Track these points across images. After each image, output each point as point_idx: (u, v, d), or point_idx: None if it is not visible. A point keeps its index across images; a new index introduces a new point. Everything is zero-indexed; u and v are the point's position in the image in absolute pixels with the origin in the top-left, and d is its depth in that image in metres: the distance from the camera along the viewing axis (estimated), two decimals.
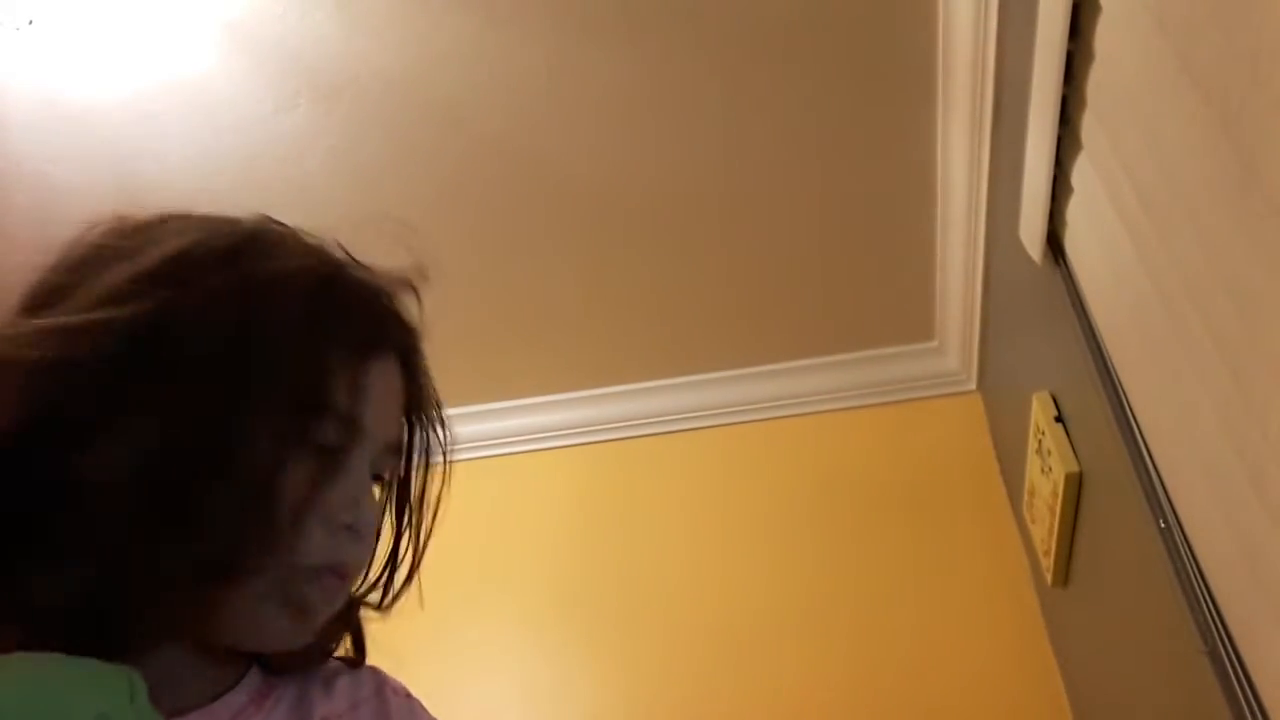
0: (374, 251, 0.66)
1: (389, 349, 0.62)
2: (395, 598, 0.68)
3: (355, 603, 0.66)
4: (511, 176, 1.77)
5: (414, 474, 0.66)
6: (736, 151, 1.73)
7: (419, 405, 0.66)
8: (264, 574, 0.54)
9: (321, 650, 0.66)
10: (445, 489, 0.69)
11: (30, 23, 1.53)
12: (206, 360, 0.53)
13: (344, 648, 0.68)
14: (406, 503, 0.66)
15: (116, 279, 0.57)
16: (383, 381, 0.61)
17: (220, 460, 0.51)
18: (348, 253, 0.65)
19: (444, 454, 0.69)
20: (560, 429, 2.22)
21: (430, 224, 1.84)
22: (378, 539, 0.62)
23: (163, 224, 0.63)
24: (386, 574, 0.67)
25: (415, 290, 0.66)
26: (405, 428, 0.65)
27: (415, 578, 0.69)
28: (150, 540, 0.50)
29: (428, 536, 0.69)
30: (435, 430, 0.68)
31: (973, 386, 2.07)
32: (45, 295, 0.60)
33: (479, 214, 1.83)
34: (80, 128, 1.68)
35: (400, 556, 0.67)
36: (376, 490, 0.64)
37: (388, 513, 0.66)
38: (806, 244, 1.90)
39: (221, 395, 0.52)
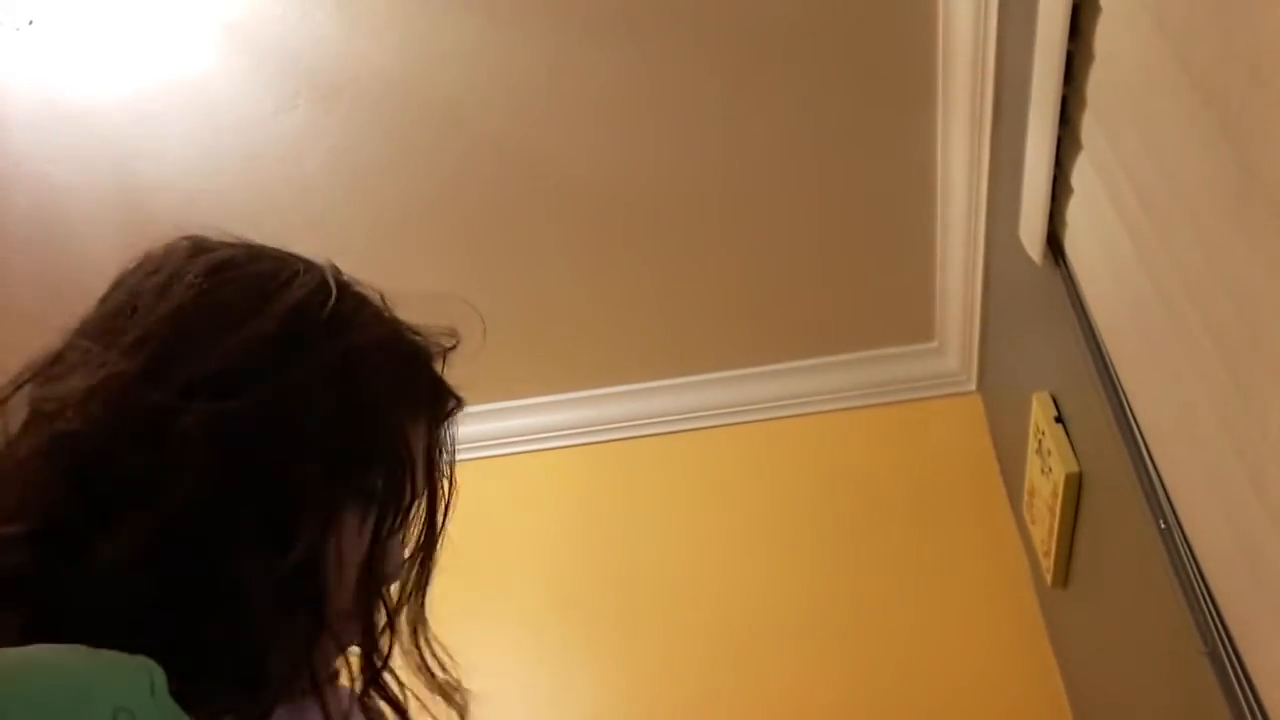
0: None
1: (438, 419, 0.66)
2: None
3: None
4: (512, 177, 1.77)
5: (439, 524, 0.66)
6: (736, 151, 1.73)
7: (443, 457, 0.68)
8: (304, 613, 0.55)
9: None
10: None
11: (30, 23, 1.53)
12: (317, 438, 0.55)
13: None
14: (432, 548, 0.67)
15: (230, 353, 0.55)
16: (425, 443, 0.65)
17: (281, 507, 0.53)
18: (416, 329, 0.68)
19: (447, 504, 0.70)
20: (561, 429, 2.22)
21: (430, 224, 1.84)
22: None
23: (247, 269, 0.60)
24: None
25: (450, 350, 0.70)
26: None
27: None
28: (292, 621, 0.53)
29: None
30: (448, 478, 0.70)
31: (973, 387, 2.07)
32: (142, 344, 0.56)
33: (479, 214, 1.83)
34: (80, 128, 1.68)
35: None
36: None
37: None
38: (806, 244, 1.90)
39: (331, 474, 0.55)
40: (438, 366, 0.68)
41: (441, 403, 0.66)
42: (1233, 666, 0.90)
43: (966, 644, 1.81)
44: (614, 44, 1.59)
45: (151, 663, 0.46)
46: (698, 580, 2.01)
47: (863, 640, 1.86)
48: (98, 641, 0.46)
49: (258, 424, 0.53)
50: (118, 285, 0.62)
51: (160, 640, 0.48)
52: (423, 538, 0.66)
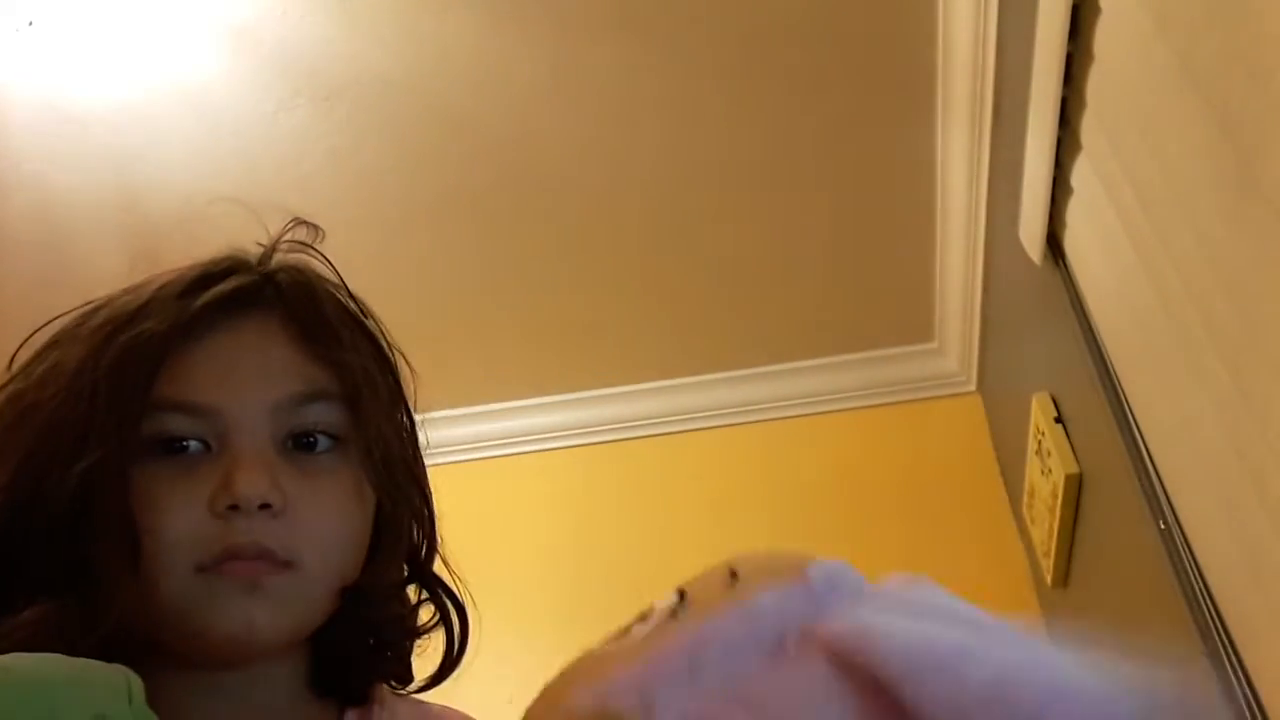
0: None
1: (210, 320, 0.59)
2: (416, 573, 0.65)
3: (401, 605, 0.65)
4: (512, 177, 1.77)
5: (362, 416, 0.59)
6: (736, 152, 1.73)
7: (325, 341, 0.60)
8: (154, 581, 0.53)
9: (382, 663, 0.64)
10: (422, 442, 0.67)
11: (30, 24, 1.53)
12: (44, 414, 0.56)
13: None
14: (368, 457, 0.60)
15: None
16: (215, 354, 0.58)
17: (58, 498, 0.54)
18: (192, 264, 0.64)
19: (399, 378, 0.65)
20: (560, 430, 2.22)
21: (430, 224, 1.84)
22: (327, 513, 0.58)
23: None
24: (404, 549, 0.64)
25: (287, 245, 0.66)
26: (329, 372, 0.60)
27: (433, 558, 0.67)
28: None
29: (416, 492, 0.65)
30: (368, 358, 0.63)
31: (972, 387, 2.07)
32: None
33: (480, 214, 1.83)
34: (80, 129, 1.68)
35: (401, 520, 0.63)
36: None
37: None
38: (806, 244, 1.90)
39: (56, 444, 0.55)
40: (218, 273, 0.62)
41: (183, 318, 0.58)
42: (1233, 666, 0.90)
43: None
44: (614, 45, 1.59)
45: (129, 671, 0.45)
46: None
47: None
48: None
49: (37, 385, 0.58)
50: None
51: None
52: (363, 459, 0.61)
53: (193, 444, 0.56)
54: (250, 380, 0.58)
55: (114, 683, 0.44)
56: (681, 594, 0.37)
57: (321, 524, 0.57)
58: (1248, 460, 0.80)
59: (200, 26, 1.56)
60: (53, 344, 0.61)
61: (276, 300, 0.61)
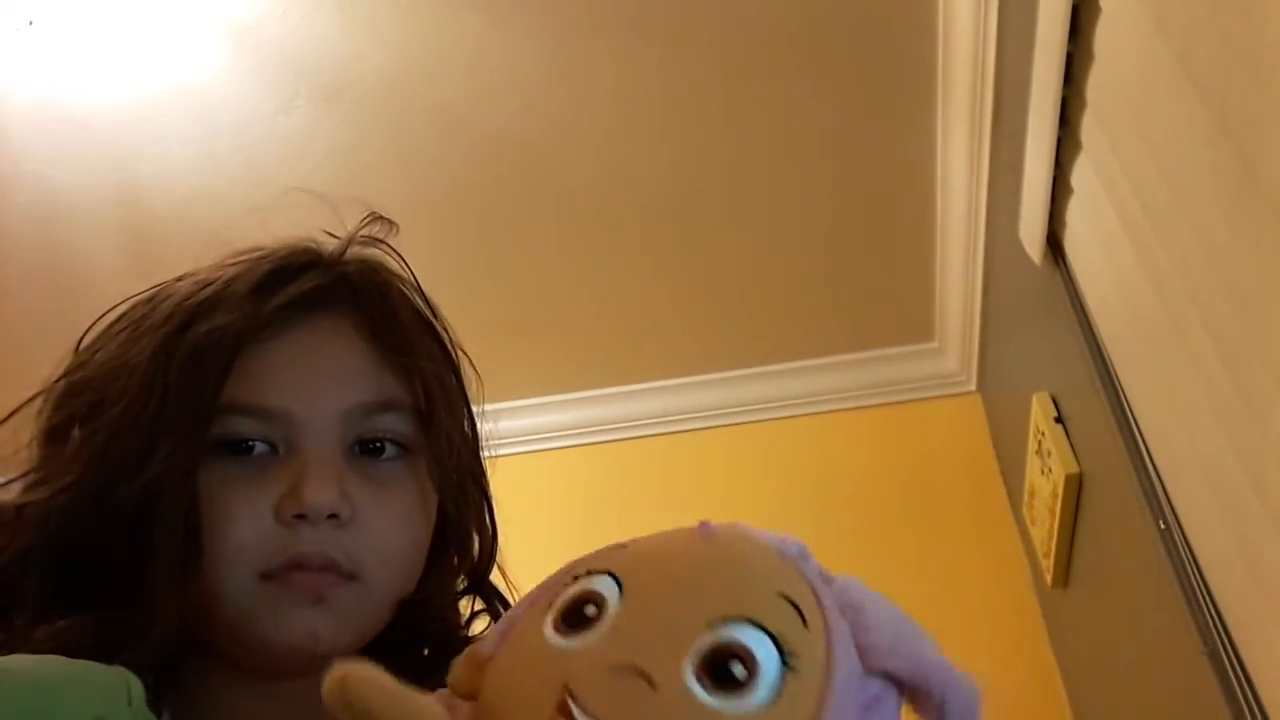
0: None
1: (284, 321, 0.57)
2: (475, 582, 0.64)
3: (445, 616, 0.64)
4: (512, 176, 1.77)
5: (435, 426, 0.58)
6: (736, 151, 1.73)
7: (399, 347, 0.59)
8: (215, 586, 0.52)
9: (432, 685, 0.64)
10: (487, 453, 0.66)
11: (30, 24, 1.53)
12: (95, 420, 0.55)
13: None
14: (439, 467, 0.59)
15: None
16: (287, 356, 0.56)
17: (122, 498, 0.52)
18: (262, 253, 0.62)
19: (473, 388, 0.64)
20: (560, 429, 2.22)
21: (430, 224, 1.84)
22: (393, 525, 0.57)
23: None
24: (463, 557, 0.63)
25: (367, 241, 0.65)
26: (398, 378, 0.58)
27: (491, 562, 0.66)
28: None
29: (481, 501, 0.65)
30: (444, 366, 0.63)
31: (972, 387, 2.07)
32: None
33: (480, 214, 1.83)
34: (80, 129, 1.68)
35: (466, 530, 0.63)
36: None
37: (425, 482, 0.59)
38: (806, 244, 1.89)
39: (126, 443, 0.54)
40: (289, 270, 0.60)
41: (256, 319, 0.56)
42: (1233, 666, 0.90)
43: (966, 644, 1.79)
44: (615, 44, 1.59)
45: (128, 672, 0.45)
46: None
47: None
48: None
49: (99, 382, 0.56)
50: None
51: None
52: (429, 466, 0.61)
53: (259, 447, 0.54)
54: (322, 385, 0.57)
55: (113, 685, 0.44)
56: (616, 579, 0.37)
57: (387, 536, 0.56)
58: (1248, 460, 0.80)
59: (200, 26, 1.56)
60: (116, 332, 0.59)
61: (351, 300, 0.59)
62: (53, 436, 0.57)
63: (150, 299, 0.59)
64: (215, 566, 0.52)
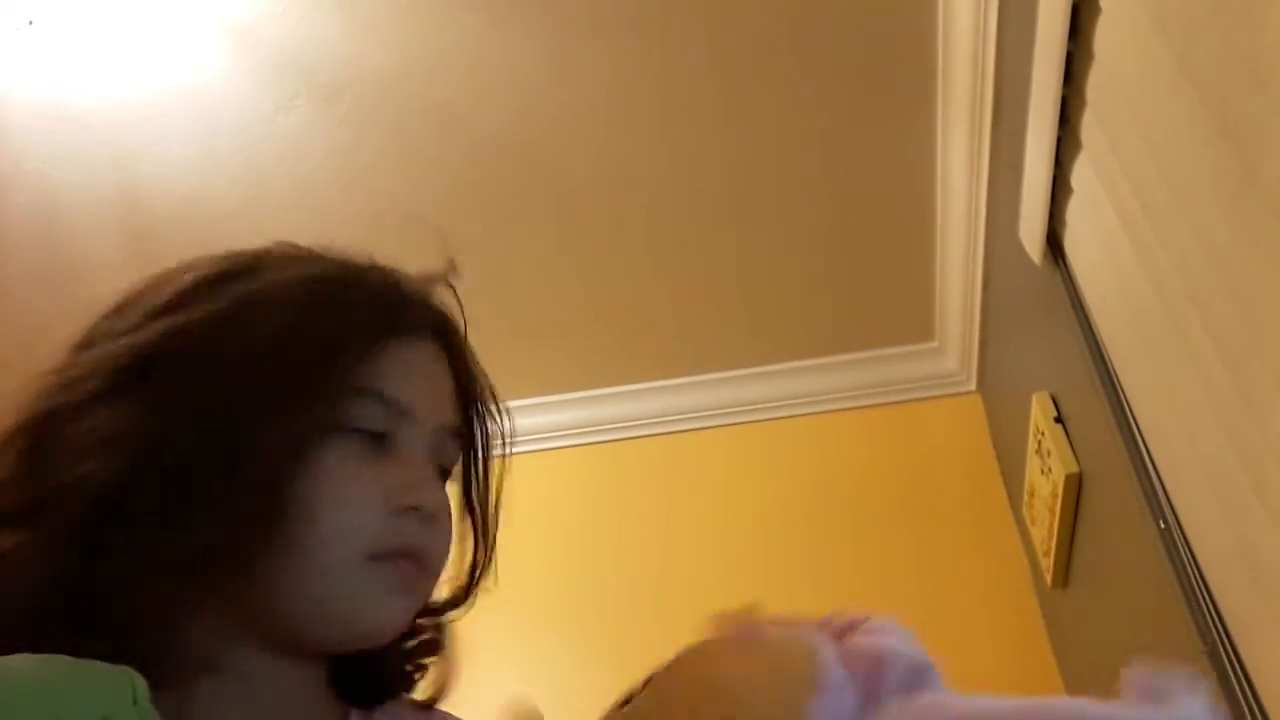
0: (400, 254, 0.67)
1: (418, 331, 0.62)
2: (470, 599, 0.69)
3: (442, 625, 0.67)
4: (512, 176, 1.77)
5: (479, 467, 0.67)
6: (736, 152, 1.73)
7: (472, 393, 0.66)
8: (317, 559, 0.53)
9: (407, 676, 0.66)
10: (505, 484, 0.71)
11: (30, 24, 1.53)
12: (204, 370, 0.54)
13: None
14: (475, 498, 0.67)
15: (129, 315, 0.58)
16: (419, 364, 0.61)
17: (220, 455, 0.51)
18: (374, 260, 0.64)
19: (505, 445, 0.70)
20: (560, 429, 2.22)
21: (429, 224, 1.84)
22: (451, 536, 0.62)
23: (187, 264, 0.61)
24: (467, 579, 0.68)
25: (448, 284, 0.68)
26: (463, 417, 0.65)
27: (487, 578, 0.70)
28: (152, 529, 0.50)
29: (495, 535, 0.70)
30: (494, 420, 0.69)
31: (972, 387, 2.07)
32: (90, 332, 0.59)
33: (479, 214, 1.83)
34: (80, 128, 1.68)
35: (477, 558, 0.68)
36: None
37: (461, 511, 0.66)
38: (807, 244, 1.90)
39: (223, 397, 0.53)
40: (423, 292, 0.65)
41: (407, 318, 0.61)
42: (1233, 666, 0.90)
43: (966, 644, 1.81)
44: (615, 44, 1.59)
45: (133, 672, 0.45)
46: (697, 580, 2.01)
47: None
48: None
49: (216, 331, 0.55)
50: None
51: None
52: (464, 492, 0.67)
53: (379, 434, 0.57)
54: (435, 395, 0.62)
55: (118, 683, 0.44)
56: None
57: (449, 545, 0.62)
58: (1248, 460, 0.80)
59: (200, 26, 1.56)
60: (229, 277, 0.58)
61: (444, 334, 0.65)
62: (137, 374, 0.55)
63: (257, 256, 0.60)
64: (320, 540, 0.53)
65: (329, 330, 0.56)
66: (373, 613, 0.55)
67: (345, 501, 0.54)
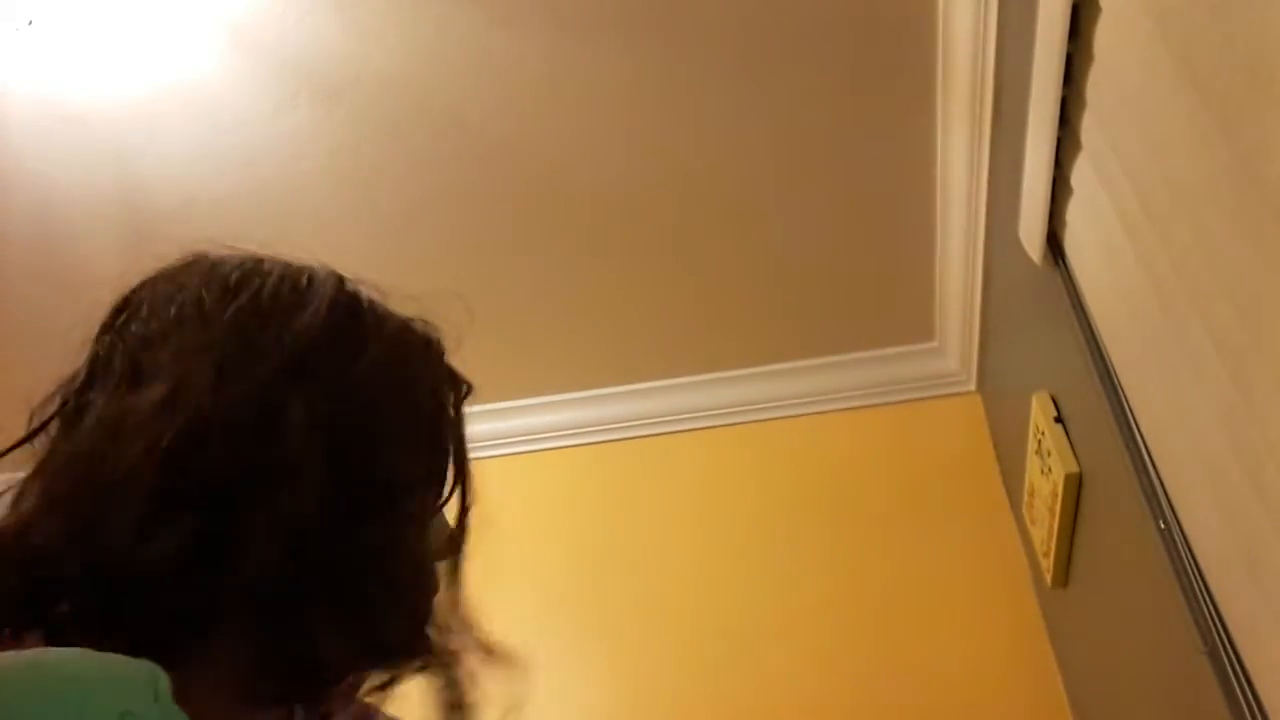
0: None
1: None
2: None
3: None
4: (511, 177, 1.77)
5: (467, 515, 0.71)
6: (736, 152, 1.73)
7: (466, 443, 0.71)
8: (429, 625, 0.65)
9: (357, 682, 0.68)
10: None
11: (30, 23, 1.53)
12: (393, 422, 0.61)
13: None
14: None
15: (295, 345, 0.59)
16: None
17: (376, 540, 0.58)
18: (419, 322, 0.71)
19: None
20: (560, 429, 2.22)
21: (429, 225, 1.84)
22: None
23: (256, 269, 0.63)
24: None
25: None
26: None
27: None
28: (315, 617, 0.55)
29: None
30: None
31: (972, 387, 2.07)
32: (160, 342, 0.58)
33: (479, 215, 1.83)
34: (80, 128, 1.68)
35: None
36: None
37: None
38: (806, 244, 1.90)
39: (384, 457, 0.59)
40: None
41: (460, 388, 0.70)
42: (1233, 666, 0.90)
43: (966, 644, 1.81)
44: (614, 45, 1.59)
45: (155, 667, 0.46)
46: (697, 580, 2.01)
47: (862, 640, 1.86)
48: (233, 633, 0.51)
49: (345, 408, 0.58)
50: (139, 301, 0.61)
51: (292, 617, 0.53)
52: (458, 520, 0.70)
53: None
54: None
55: (141, 679, 0.44)
56: None
57: None
58: (1248, 460, 0.80)
59: (200, 26, 1.56)
60: (344, 338, 0.61)
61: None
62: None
63: (358, 296, 0.65)
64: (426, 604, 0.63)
65: (448, 407, 0.66)
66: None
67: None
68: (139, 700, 0.43)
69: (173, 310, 0.59)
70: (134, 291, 0.62)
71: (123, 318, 0.60)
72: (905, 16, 1.54)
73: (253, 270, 0.62)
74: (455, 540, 0.68)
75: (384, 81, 1.63)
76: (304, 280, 0.62)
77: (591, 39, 1.58)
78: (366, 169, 1.75)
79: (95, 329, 0.61)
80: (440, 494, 0.64)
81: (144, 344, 0.58)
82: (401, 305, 0.69)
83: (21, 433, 0.57)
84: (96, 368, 0.58)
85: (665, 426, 2.19)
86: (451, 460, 0.65)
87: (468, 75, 1.62)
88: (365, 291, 0.66)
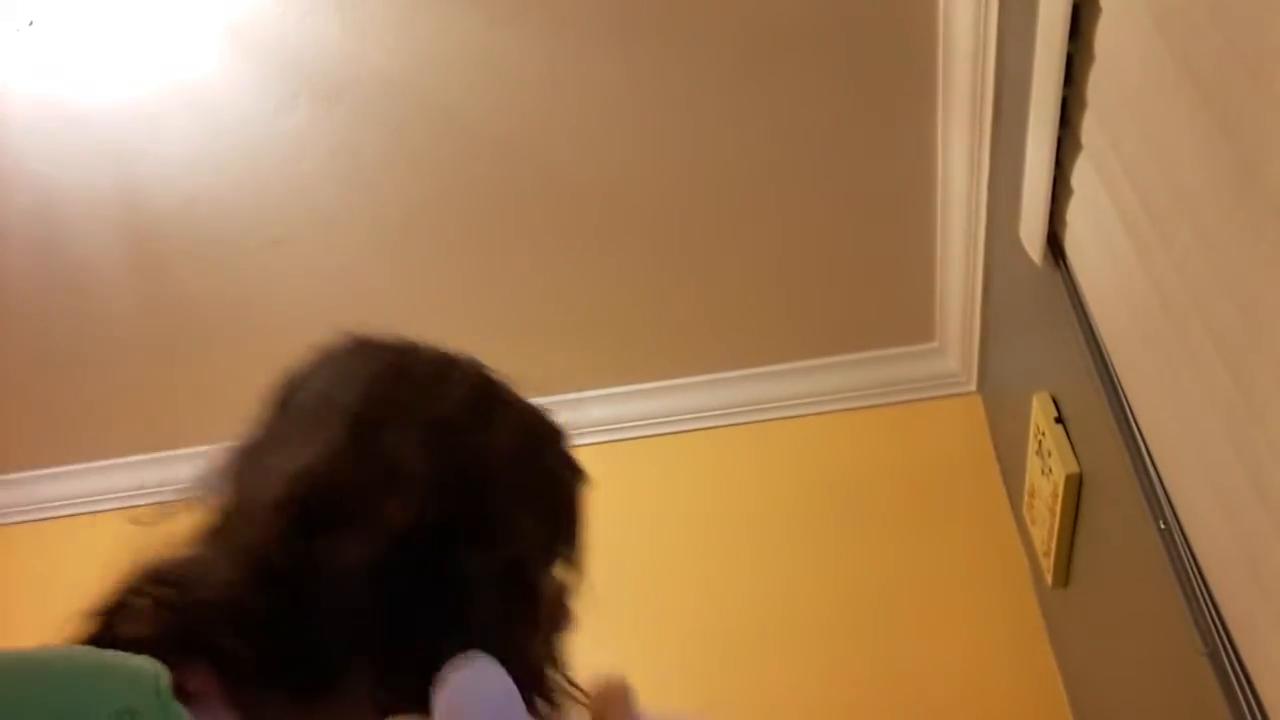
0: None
1: None
2: None
3: None
4: (511, 177, 1.77)
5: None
6: (737, 152, 1.74)
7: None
8: None
9: None
10: None
11: (31, 24, 1.53)
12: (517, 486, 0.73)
13: None
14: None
15: (438, 412, 0.71)
16: None
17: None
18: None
19: None
20: None
21: (430, 225, 1.84)
22: None
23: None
24: None
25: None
26: None
27: None
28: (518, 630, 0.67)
29: None
30: None
31: (973, 388, 2.07)
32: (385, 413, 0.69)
33: (479, 215, 1.83)
34: (81, 129, 1.68)
35: None
36: None
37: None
38: (806, 244, 1.90)
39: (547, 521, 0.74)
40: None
41: (581, 476, 0.84)
42: (1233, 666, 0.90)
43: (966, 644, 1.81)
44: (614, 45, 1.59)
45: (157, 664, 0.45)
46: (697, 580, 2.01)
47: (862, 640, 1.86)
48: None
49: (474, 469, 0.69)
50: (297, 385, 0.71)
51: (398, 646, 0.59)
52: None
53: None
54: None
55: (142, 675, 0.44)
56: None
57: None
58: (1248, 460, 0.80)
59: (200, 26, 1.56)
60: (501, 404, 0.79)
61: None
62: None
63: (503, 386, 0.80)
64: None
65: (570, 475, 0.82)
66: None
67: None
68: (140, 697, 0.43)
69: (335, 386, 0.68)
70: (301, 368, 0.72)
71: (289, 391, 0.70)
72: (906, 17, 1.54)
73: (408, 351, 0.74)
74: (564, 613, 0.78)
75: (384, 81, 1.63)
76: (449, 363, 0.75)
77: (591, 39, 1.58)
78: (367, 169, 1.75)
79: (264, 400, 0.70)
80: (551, 564, 0.74)
81: (307, 412, 0.67)
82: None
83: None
84: (267, 432, 0.68)
85: (664, 427, 2.19)
86: (573, 539, 0.76)
87: (468, 75, 1.62)
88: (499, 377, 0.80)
